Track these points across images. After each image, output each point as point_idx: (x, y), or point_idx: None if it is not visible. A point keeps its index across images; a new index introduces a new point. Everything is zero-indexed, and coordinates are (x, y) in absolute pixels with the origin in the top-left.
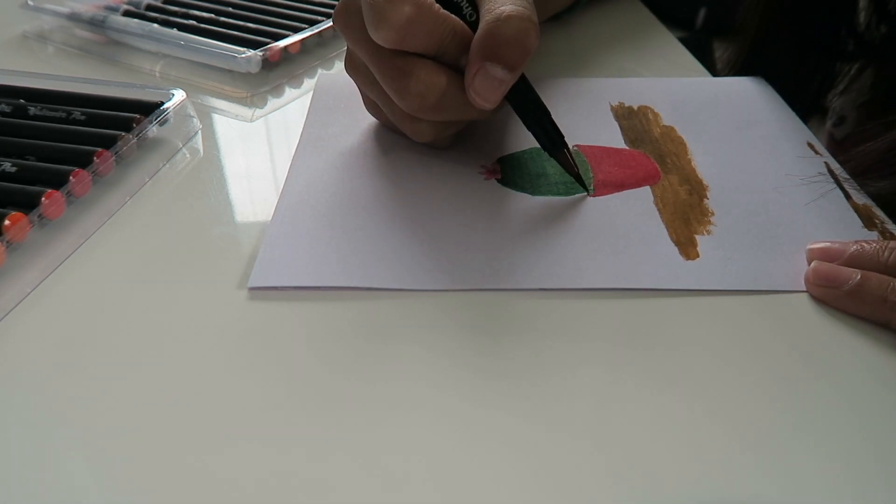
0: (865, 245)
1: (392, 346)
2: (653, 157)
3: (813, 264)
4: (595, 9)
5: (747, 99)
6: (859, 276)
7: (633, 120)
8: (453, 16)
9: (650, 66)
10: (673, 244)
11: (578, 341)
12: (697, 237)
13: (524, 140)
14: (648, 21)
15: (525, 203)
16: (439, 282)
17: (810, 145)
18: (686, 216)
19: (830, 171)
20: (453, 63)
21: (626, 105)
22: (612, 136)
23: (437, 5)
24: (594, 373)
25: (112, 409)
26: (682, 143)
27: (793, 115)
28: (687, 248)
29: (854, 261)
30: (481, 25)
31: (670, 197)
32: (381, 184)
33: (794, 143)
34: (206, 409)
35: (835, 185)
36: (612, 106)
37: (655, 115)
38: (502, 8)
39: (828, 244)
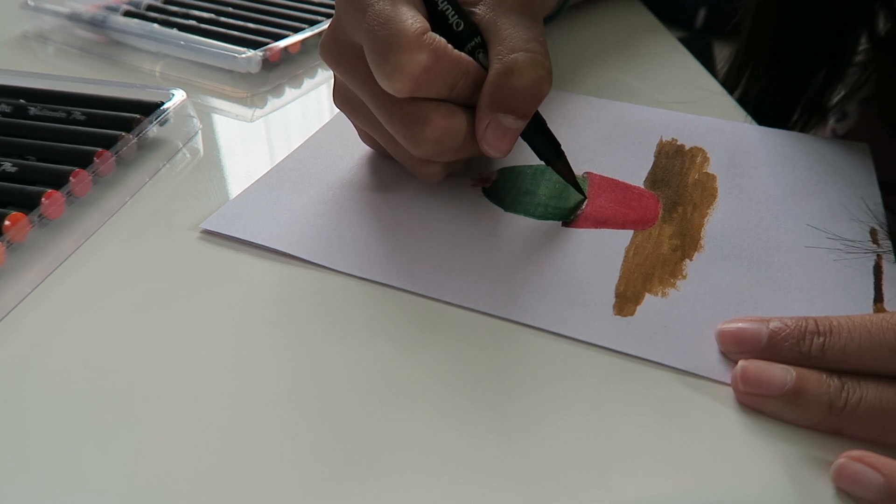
0: (782, 325)
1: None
2: (664, 202)
3: (740, 365)
4: (594, 9)
5: (829, 164)
6: (794, 378)
7: (674, 159)
8: (465, 56)
9: (650, 68)
10: (613, 295)
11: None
12: (648, 296)
13: (531, 155)
14: (648, 22)
15: (494, 217)
16: (381, 275)
17: (873, 232)
18: (651, 272)
19: (877, 267)
20: (465, 102)
21: (678, 143)
22: (635, 172)
23: (450, 47)
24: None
25: (113, 407)
26: (711, 196)
27: (875, 192)
28: (626, 303)
29: (773, 348)
30: (493, 74)
31: (648, 247)
32: (374, 172)
33: (852, 226)
34: (208, 412)
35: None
36: (661, 140)
37: (705, 159)
38: (514, 56)
39: (740, 325)
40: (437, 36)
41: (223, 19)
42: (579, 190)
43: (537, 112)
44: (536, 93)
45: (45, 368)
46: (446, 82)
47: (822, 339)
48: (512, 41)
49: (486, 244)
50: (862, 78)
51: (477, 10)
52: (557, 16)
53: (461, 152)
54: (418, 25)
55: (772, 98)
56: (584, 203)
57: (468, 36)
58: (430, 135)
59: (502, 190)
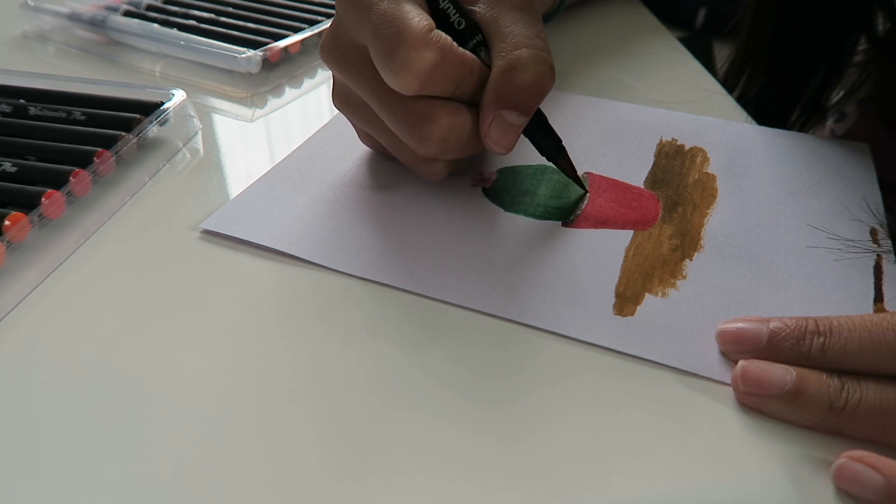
0: (782, 325)
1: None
2: (665, 202)
3: (740, 365)
4: (593, 9)
5: (829, 164)
6: (794, 378)
7: (674, 160)
8: (470, 53)
9: (650, 68)
10: (613, 295)
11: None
12: (648, 296)
13: (531, 155)
14: (648, 22)
15: (494, 217)
16: (381, 275)
17: (874, 231)
18: (651, 272)
19: (877, 268)
20: (468, 100)
21: (678, 143)
22: (635, 172)
23: (455, 44)
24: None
25: (113, 407)
26: (711, 196)
27: (875, 192)
28: (626, 303)
29: (773, 348)
30: (496, 71)
31: (648, 248)
32: (374, 172)
33: (852, 226)
34: (208, 412)
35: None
36: (661, 140)
37: (705, 159)
38: (517, 53)
39: (740, 325)
40: (443, 33)
41: (223, 19)
42: (580, 184)
43: (538, 108)
44: (540, 89)
45: (45, 368)
46: (452, 80)
47: (822, 339)
48: (514, 38)
49: (486, 244)
50: (861, 78)
51: (477, 9)
52: (554, 16)
53: (465, 150)
54: (425, 23)
55: (771, 98)
56: (585, 201)
57: (470, 34)
58: (436, 133)
59: (502, 190)
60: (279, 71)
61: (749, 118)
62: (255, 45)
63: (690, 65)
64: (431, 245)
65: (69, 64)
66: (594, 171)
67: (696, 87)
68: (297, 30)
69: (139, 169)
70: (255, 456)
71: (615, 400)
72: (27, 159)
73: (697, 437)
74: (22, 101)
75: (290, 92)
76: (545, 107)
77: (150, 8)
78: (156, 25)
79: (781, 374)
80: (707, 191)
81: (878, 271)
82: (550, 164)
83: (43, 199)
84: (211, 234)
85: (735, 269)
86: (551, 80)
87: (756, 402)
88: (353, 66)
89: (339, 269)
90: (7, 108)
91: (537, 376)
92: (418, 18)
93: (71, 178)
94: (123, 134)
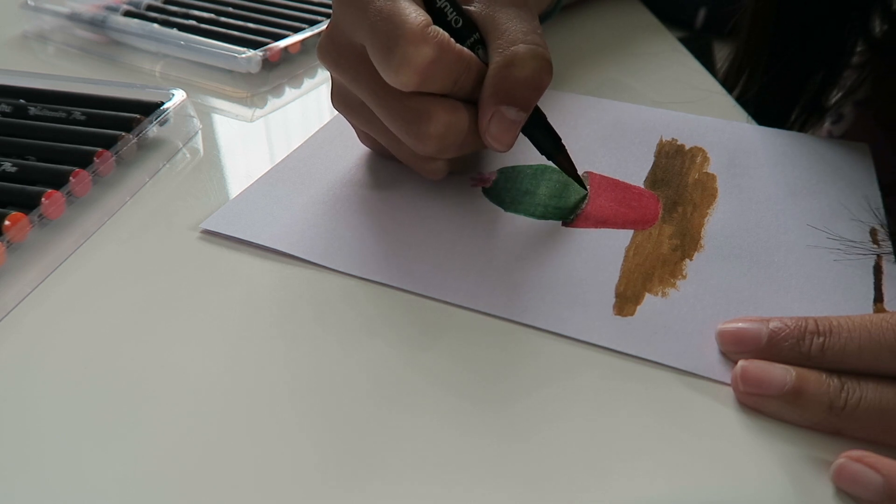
0: (782, 325)
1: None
2: (665, 202)
3: (740, 365)
4: (593, 9)
5: (829, 164)
6: (794, 378)
7: (674, 159)
8: (467, 50)
9: (650, 68)
10: (613, 295)
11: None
12: (648, 296)
13: (531, 155)
14: (648, 21)
15: (494, 217)
16: (381, 275)
17: (874, 232)
18: (651, 272)
19: (877, 268)
20: (466, 97)
21: (678, 143)
22: (635, 172)
23: (453, 40)
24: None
25: (113, 407)
26: (711, 196)
27: (875, 192)
28: (626, 303)
29: (773, 347)
30: (494, 66)
31: (648, 247)
32: (374, 172)
33: (852, 226)
34: (208, 412)
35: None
36: (661, 140)
37: (705, 159)
38: (514, 48)
39: (740, 325)
40: (440, 29)
41: (223, 19)
42: (580, 183)
43: (537, 106)
44: (538, 84)
45: (45, 368)
46: (450, 76)
47: (821, 339)
48: (511, 34)
49: (486, 244)
50: (858, 79)
51: (473, 7)
52: (551, 15)
53: (464, 148)
54: (422, 19)
55: (771, 98)
56: (586, 200)
57: (467, 32)
58: (433, 130)
59: (502, 190)
60: (279, 71)
61: (749, 118)
62: (255, 45)
63: (690, 65)
64: (431, 245)
65: (69, 64)
66: (594, 171)
67: (696, 87)
68: (297, 30)
69: (139, 169)
70: (254, 456)
71: (615, 400)
72: (27, 159)
73: (697, 437)
74: (22, 101)
75: (290, 92)
76: (545, 107)
77: (150, 8)
78: (156, 25)
79: (781, 374)
80: (707, 191)
81: (878, 271)
82: (550, 163)
83: (43, 199)
84: (211, 234)
85: (735, 269)
86: (549, 75)
87: (756, 402)
88: (350, 66)
89: (339, 269)
90: (7, 108)
91: (537, 376)
92: (415, 14)
93: (71, 178)
94: (123, 134)
